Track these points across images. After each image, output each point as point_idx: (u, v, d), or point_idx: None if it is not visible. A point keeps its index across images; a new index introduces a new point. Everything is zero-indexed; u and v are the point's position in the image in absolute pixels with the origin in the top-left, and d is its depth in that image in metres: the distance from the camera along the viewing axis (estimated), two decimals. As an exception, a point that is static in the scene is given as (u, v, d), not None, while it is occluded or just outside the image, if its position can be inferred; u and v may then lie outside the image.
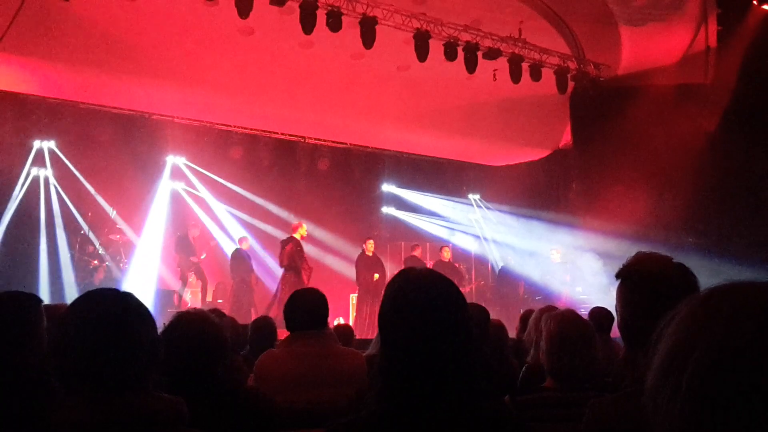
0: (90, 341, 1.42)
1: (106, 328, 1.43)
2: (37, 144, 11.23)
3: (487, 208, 15.13)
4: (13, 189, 10.87)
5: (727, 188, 10.04)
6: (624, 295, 1.75)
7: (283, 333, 3.29)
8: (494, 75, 11.13)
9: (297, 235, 10.15)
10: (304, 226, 10.30)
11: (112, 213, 10.99)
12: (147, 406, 1.43)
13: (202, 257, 11.40)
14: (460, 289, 1.49)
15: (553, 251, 11.67)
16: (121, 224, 11.39)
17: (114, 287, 1.64)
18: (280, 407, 2.51)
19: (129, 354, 1.43)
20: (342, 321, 9.35)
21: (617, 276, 1.75)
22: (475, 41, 10.75)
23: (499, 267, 13.27)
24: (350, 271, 11.36)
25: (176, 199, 12.57)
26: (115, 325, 1.44)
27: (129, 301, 1.52)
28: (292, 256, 9.80)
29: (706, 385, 0.67)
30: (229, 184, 12.57)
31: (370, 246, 10.93)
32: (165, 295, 10.69)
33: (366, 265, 10.79)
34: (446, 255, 11.88)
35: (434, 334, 1.38)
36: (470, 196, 15.45)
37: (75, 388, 1.40)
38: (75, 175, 11.30)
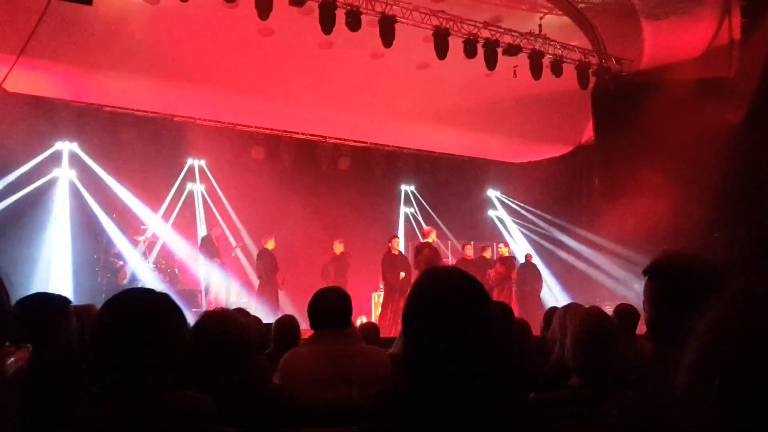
0: (124, 340, 1.43)
1: (141, 327, 1.45)
2: (61, 146, 11.38)
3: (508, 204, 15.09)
4: (38, 192, 11.03)
5: (753, 182, 9.87)
6: (652, 293, 1.73)
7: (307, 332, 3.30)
8: (515, 71, 11.07)
9: (430, 239, 10.32)
10: (434, 231, 10.59)
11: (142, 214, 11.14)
12: (175, 403, 1.44)
13: (233, 255, 11.48)
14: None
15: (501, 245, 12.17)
16: (146, 225, 11.52)
17: (143, 287, 1.66)
18: (305, 405, 2.53)
19: (161, 353, 1.45)
20: (365, 320, 9.31)
21: (645, 273, 1.74)
22: (494, 38, 10.71)
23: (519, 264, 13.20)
24: (370, 270, 11.33)
25: (199, 199, 12.67)
26: (150, 325, 1.46)
27: (163, 301, 1.53)
28: (430, 260, 9.90)
29: (739, 380, 0.67)
30: (250, 185, 12.62)
31: (396, 244, 10.84)
32: (190, 295, 10.79)
33: (393, 263, 10.73)
34: (468, 252, 11.86)
35: (457, 333, 1.38)
36: (490, 192, 15.40)
37: (106, 386, 1.41)
38: (100, 178, 11.44)
